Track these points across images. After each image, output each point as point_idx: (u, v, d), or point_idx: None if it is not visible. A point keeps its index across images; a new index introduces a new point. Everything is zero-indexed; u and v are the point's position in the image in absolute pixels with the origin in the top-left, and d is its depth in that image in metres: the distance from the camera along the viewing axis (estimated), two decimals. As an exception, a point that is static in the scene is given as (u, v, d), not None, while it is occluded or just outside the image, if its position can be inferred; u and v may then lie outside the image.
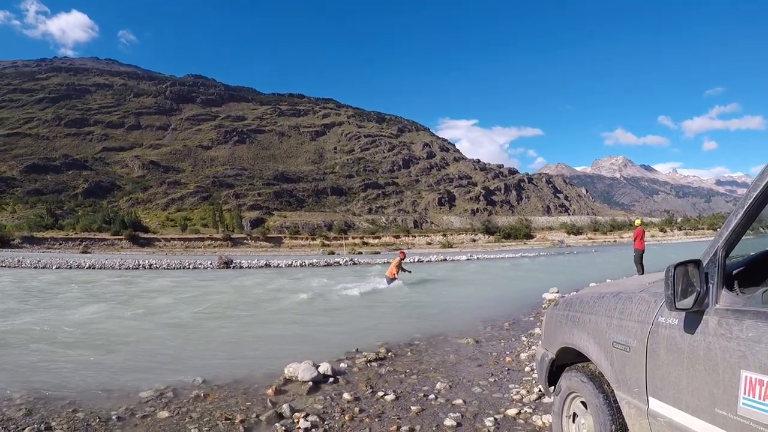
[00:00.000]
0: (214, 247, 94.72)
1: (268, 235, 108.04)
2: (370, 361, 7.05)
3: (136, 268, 32.88)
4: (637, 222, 18.61)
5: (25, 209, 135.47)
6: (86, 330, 9.71)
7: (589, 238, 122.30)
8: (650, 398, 2.41)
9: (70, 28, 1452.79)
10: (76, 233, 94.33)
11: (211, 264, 34.45)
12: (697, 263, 2.21)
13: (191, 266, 33.76)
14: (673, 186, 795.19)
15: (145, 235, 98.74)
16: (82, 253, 70.07)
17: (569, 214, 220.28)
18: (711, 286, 2.16)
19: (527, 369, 6.42)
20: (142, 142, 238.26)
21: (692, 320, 2.19)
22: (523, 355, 7.13)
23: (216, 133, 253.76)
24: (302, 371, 6.33)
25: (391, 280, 19.12)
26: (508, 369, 6.51)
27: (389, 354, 7.44)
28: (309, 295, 16.12)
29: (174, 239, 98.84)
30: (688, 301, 2.16)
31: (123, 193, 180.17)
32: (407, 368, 6.65)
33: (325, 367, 6.47)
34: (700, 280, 2.17)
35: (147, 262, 35.33)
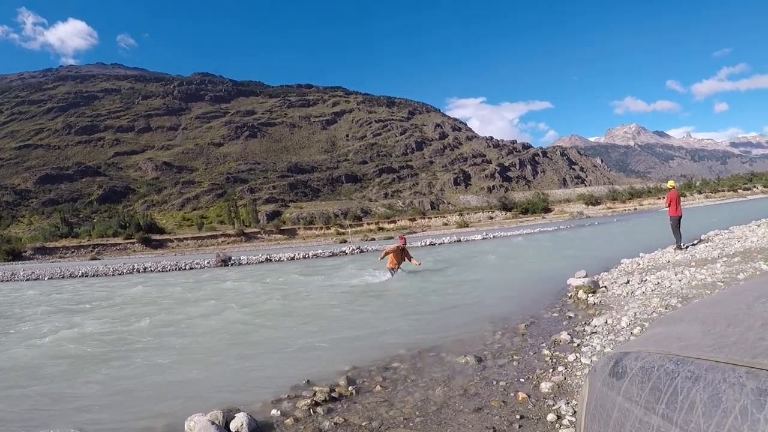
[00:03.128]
0: (228, 243, 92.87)
1: (282, 228, 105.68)
2: (317, 403, 4.78)
3: (130, 273, 30.97)
4: (670, 184, 16.06)
5: (41, 220, 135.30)
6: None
7: (608, 208, 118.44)
8: None
9: (69, 37, 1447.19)
10: (88, 240, 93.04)
11: (208, 263, 32.30)
12: None
13: (187, 266, 31.62)
14: (687, 150, 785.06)
15: (158, 237, 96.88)
16: (91, 260, 68.22)
17: (586, 185, 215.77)
18: None
19: (551, 417, 4.04)
20: (154, 144, 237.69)
21: None
22: (544, 386, 4.71)
23: (227, 130, 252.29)
24: (200, 430, 4.13)
25: (393, 270, 16.30)
26: (522, 415, 4.14)
27: (350, 389, 5.13)
28: (283, 298, 13.23)
29: (187, 238, 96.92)
30: None
31: (138, 197, 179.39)
32: (366, 418, 4.35)
33: (238, 423, 4.24)
34: None
35: (143, 265, 33.18)
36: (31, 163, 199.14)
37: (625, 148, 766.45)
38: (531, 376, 5.10)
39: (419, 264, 16.77)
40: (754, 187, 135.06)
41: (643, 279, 9.75)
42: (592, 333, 6.57)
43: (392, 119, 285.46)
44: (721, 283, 8.07)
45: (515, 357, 5.87)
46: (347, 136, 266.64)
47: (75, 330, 10.08)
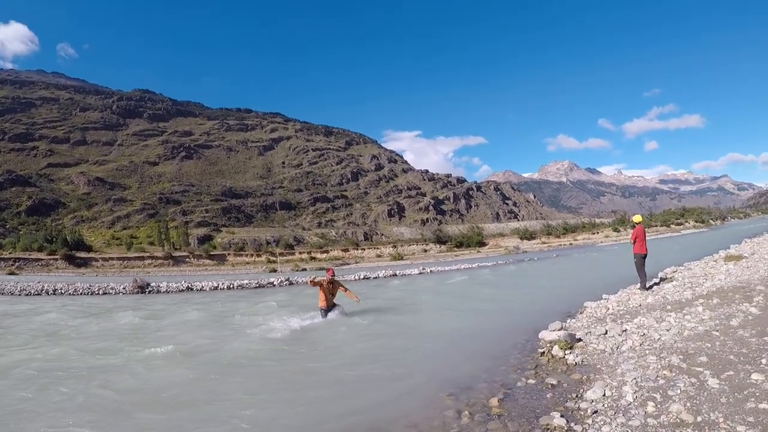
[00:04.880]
0: (155, 266, 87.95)
1: (212, 253, 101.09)
2: None
3: (38, 294, 28.08)
4: (637, 219, 14.80)
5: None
6: None
7: (544, 243, 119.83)
8: None
9: (9, 40, 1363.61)
10: (10, 253, 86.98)
11: (124, 288, 29.13)
12: None
13: (101, 291, 28.66)
14: (618, 187, 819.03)
15: (83, 255, 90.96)
16: (9, 274, 63.28)
17: (519, 220, 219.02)
18: None
19: None
20: (88, 158, 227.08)
21: None
22: None
23: (163, 149, 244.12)
24: None
25: (326, 310, 13.90)
26: None
27: None
28: (180, 350, 9.85)
29: (113, 258, 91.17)
30: None
31: (68, 211, 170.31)
32: None
33: None
34: None
35: (53, 286, 29.86)
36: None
37: (558, 184, 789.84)
38: None
39: (357, 300, 14.62)
40: (686, 222, 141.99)
41: (624, 329, 8.24)
42: (594, 413, 4.88)
43: (329, 148, 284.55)
44: (716, 332, 7.03)
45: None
46: (283, 163, 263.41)
47: None
